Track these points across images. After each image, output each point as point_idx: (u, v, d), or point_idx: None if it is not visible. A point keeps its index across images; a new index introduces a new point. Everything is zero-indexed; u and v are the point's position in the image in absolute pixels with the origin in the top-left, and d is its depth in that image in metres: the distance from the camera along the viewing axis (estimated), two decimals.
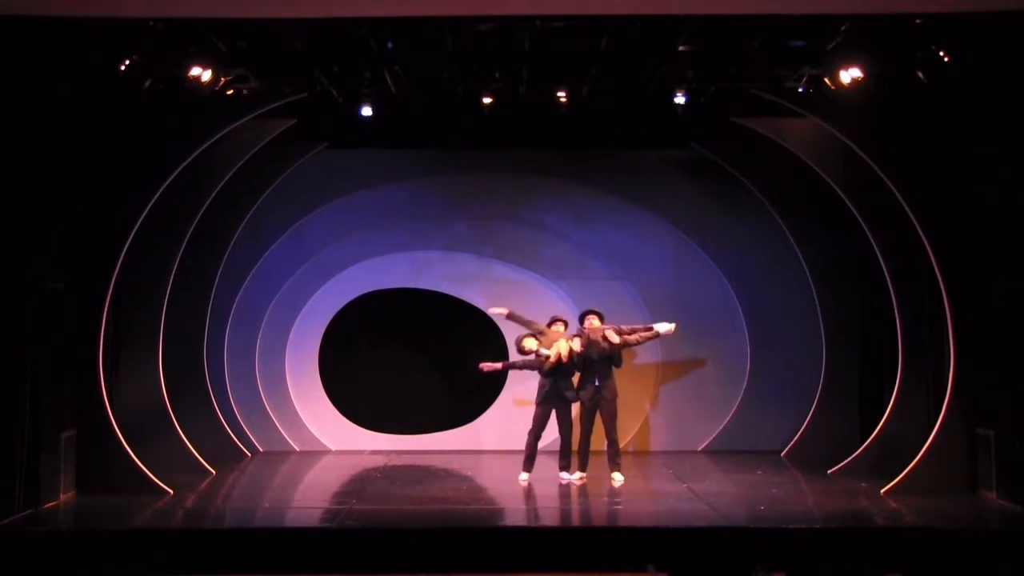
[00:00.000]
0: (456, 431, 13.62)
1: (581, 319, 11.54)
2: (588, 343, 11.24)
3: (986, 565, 8.47)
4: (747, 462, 12.51)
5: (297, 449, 13.66)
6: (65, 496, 10.12)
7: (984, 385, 10.27)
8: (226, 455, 12.46)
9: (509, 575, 8.49)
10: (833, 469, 11.67)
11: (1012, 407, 9.79)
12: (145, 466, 10.42)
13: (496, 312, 11.88)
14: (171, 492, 10.34)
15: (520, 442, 11.47)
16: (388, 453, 13.29)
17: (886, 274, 11.40)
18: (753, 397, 13.60)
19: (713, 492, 10.66)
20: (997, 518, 9.61)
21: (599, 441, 11.44)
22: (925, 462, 10.31)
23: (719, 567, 8.09)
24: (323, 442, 13.79)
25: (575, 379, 11.30)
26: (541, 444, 11.40)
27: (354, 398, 13.86)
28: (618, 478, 11.28)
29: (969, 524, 9.33)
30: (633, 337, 11.45)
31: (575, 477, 11.29)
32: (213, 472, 11.48)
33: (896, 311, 11.35)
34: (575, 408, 11.47)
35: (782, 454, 12.91)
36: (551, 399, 11.20)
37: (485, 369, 11.49)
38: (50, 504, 9.81)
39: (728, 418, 13.64)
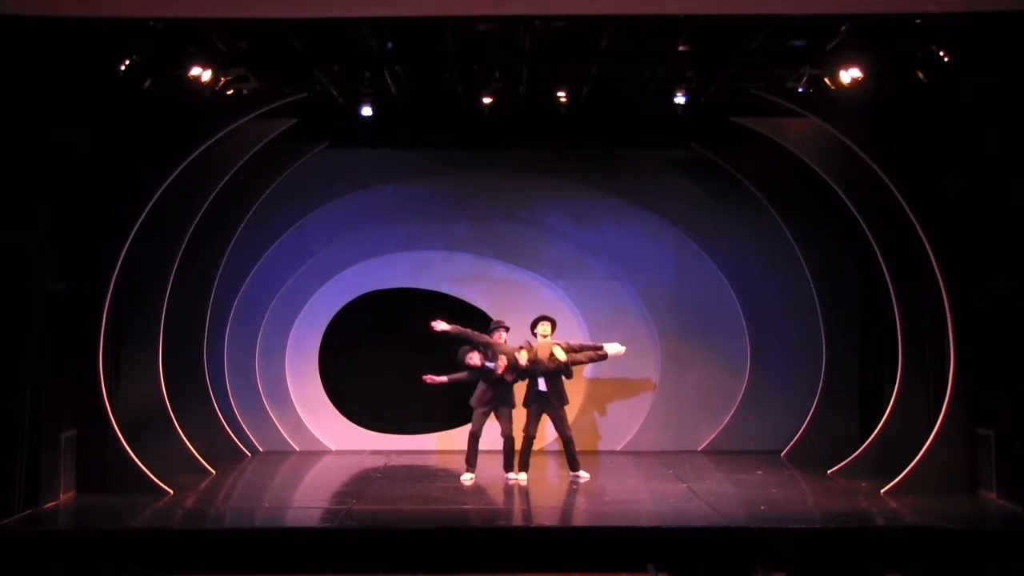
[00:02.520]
0: (456, 431, 13.60)
1: (533, 326, 11.49)
2: (535, 360, 11.28)
3: (986, 565, 8.47)
4: (747, 462, 12.51)
5: (297, 449, 13.66)
6: (65, 496, 10.12)
7: (984, 385, 10.27)
8: (226, 455, 12.46)
9: (509, 575, 8.49)
10: (833, 469, 11.67)
11: (1012, 407, 9.79)
12: (145, 466, 10.43)
13: (441, 329, 11.37)
14: (171, 492, 10.35)
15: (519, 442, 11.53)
16: (388, 453, 13.29)
17: (886, 274, 11.40)
18: (753, 397, 13.60)
19: (713, 492, 10.66)
20: (997, 518, 9.62)
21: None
22: (925, 462, 10.32)
23: (719, 567, 8.10)
24: (323, 442, 13.79)
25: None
26: (537, 445, 11.47)
27: (354, 398, 13.87)
28: (584, 474, 11.42)
29: (969, 524, 9.33)
30: (581, 356, 11.53)
31: (521, 477, 11.35)
32: (213, 472, 11.48)
33: (896, 311, 11.35)
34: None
35: (782, 454, 12.91)
36: (494, 403, 11.33)
37: (428, 382, 11.46)
38: (50, 504, 9.81)
39: (728, 418, 13.64)
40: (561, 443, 11.63)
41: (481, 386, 11.40)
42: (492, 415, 11.45)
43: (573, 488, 11.10)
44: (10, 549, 8.56)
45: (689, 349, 13.75)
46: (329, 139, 13.01)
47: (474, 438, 11.41)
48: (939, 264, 10.33)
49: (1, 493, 9.20)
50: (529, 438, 11.44)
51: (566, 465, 11.65)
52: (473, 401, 11.47)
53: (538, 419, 11.47)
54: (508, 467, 11.41)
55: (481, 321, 13.71)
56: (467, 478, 11.31)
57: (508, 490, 11.07)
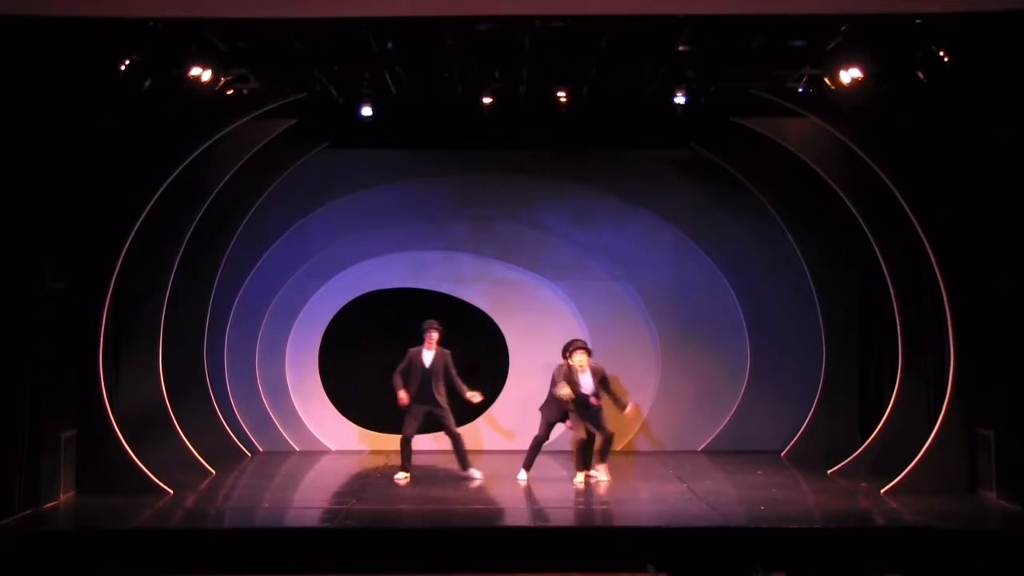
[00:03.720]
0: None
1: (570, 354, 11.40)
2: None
3: (986, 565, 8.47)
4: (747, 462, 12.51)
5: (297, 449, 13.66)
6: (65, 496, 10.12)
7: (984, 385, 10.27)
8: (226, 455, 12.46)
9: (509, 575, 8.49)
10: (833, 469, 11.67)
11: (1012, 407, 9.79)
12: (145, 466, 10.43)
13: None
14: (171, 492, 10.35)
15: (520, 442, 11.57)
16: (388, 453, 13.28)
17: (886, 274, 11.40)
18: (753, 397, 13.61)
19: (713, 492, 10.66)
20: (997, 518, 9.62)
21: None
22: (925, 462, 10.32)
23: (719, 567, 8.09)
24: (323, 442, 13.79)
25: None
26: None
27: (354, 398, 13.86)
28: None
29: (969, 524, 9.33)
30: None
31: (522, 477, 11.40)
32: (213, 472, 11.48)
33: (896, 311, 11.35)
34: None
35: (782, 454, 12.91)
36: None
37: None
38: (50, 504, 9.81)
39: (728, 418, 13.64)
40: (602, 440, 11.47)
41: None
42: (421, 416, 11.50)
43: (573, 488, 11.08)
44: (10, 549, 8.56)
45: (689, 349, 13.75)
46: (329, 139, 13.02)
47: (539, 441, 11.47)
48: (939, 264, 10.33)
49: (1, 493, 9.20)
50: (543, 439, 11.48)
51: (566, 466, 11.68)
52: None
53: (553, 425, 11.53)
54: (466, 465, 11.49)
55: (481, 321, 13.80)
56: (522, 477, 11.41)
57: (508, 490, 11.07)
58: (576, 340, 11.53)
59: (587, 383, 11.24)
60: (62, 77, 9.64)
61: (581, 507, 10.40)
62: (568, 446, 12.63)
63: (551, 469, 12.16)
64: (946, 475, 10.31)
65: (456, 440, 11.56)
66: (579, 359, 11.25)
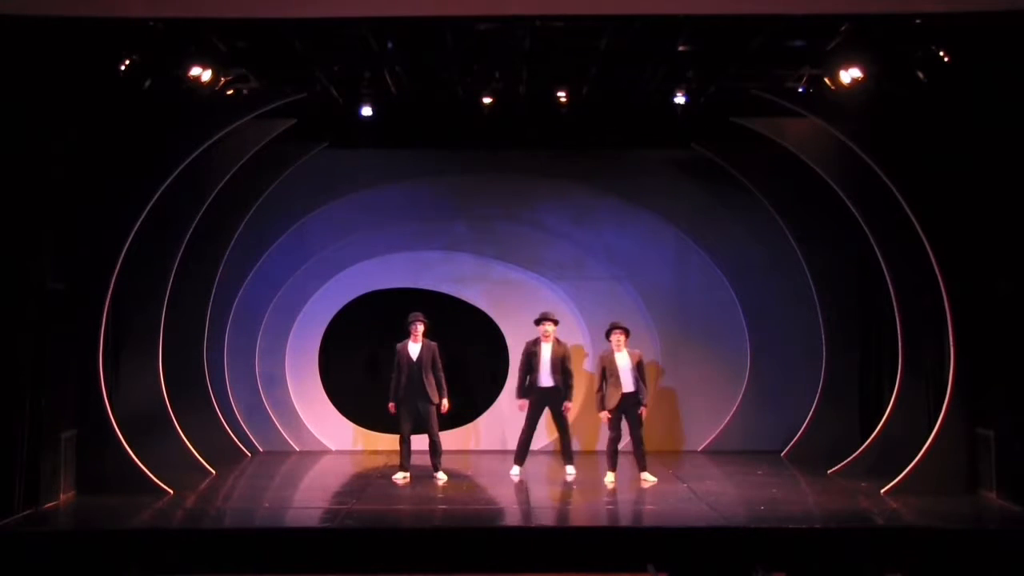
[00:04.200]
0: (456, 431, 13.60)
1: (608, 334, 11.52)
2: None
3: (986, 565, 8.47)
4: (747, 462, 12.51)
5: (297, 449, 13.66)
6: (65, 496, 10.12)
7: (984, 385, 10.27)
8: (226, 455, 12.46)
9: (509, 575, 8.49)
10: (833, 469, 11.67)
11: (1012, 407, 9.79)
12: (145, 466, 10.43)
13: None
14: (171, 492, 10.35)
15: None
16: (388, 453, 13.28)
17: (886, 273, 11.40)
18: (753, 397, 13.60)
19: (713, 492, 10.66)
20: (997, 518, 9.61)
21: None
22: (925, 462, 10.32)
23: (719, 567, 8.10)
24: (323, 442, 13.79)
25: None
26: (539, 444, 11.57)
27: (354, 398, 13.86)
28: (571, 470, 11.55)
29: (969, 524, 9.34)
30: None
31: (517, 472, 11.52)
32: (213, 472, 11.48)
33: (896, 311, 11.35)
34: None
35: (782, 454, 12.91)
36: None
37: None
38: (50, 504, 9.81)
39: (728, 418, 13.64)
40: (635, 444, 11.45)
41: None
42: (414, 411, 11.46)
43: (573, 488, 11.09)
44: (10, 549, 8.57)
45: (689, 349, 13.75)
46: (329, 139, 13.02)
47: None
48: (939, 264, 10.34)
49: (1, 493, 9.20)
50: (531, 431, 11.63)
51: (563, 466, 11.68)
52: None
53: (537, 418, 11.65)
54: (436, 467, 11.47)
55: (480, 320, 13.78)
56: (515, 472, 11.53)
57: (508, 490, 11.07)
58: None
59: (625, 365, 11.24)
60: (62, 77, 9.65)
61: (581, 507, 10.41)
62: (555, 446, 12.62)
63: (550, 469, 12.17)
64: (946, 475, 10.31)
65: (434, 442, 11.48)
66: (616, 339, 11.29)
